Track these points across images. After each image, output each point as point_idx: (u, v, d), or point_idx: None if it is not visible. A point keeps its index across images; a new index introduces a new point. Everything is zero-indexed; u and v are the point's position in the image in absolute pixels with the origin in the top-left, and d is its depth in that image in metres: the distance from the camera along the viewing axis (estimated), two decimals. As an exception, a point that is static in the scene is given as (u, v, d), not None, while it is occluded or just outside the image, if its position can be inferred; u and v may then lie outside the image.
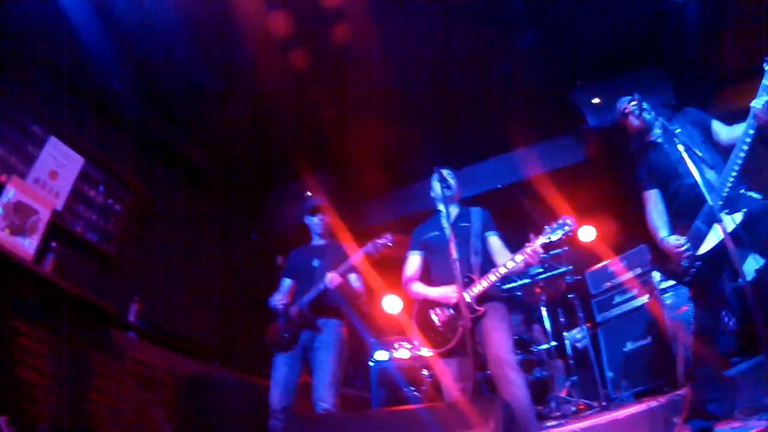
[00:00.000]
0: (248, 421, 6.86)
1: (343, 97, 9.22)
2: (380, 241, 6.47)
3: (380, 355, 9.34)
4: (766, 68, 4.84)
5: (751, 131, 4.85)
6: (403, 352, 9.09)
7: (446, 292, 5.69)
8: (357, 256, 6.53)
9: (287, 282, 7.01)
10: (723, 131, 5.39)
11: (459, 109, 10.02)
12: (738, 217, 4.80)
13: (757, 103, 4.80)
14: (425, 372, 8.55)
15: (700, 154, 5.07)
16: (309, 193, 9.69)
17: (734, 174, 4.92)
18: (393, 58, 8.62)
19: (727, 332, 7.09)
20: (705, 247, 5.04)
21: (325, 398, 6.13)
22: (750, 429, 4.84)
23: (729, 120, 5.54)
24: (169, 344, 7.73)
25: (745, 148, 4.89)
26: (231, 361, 8.48)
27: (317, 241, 7.19)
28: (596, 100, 9.47)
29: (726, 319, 7.13)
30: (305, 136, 9.70)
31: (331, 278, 6.40)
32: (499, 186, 11.03)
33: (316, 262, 6.86)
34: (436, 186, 6.10)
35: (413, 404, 8.23)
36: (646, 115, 5.59)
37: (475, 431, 3.78)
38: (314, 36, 8.05)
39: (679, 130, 5.32)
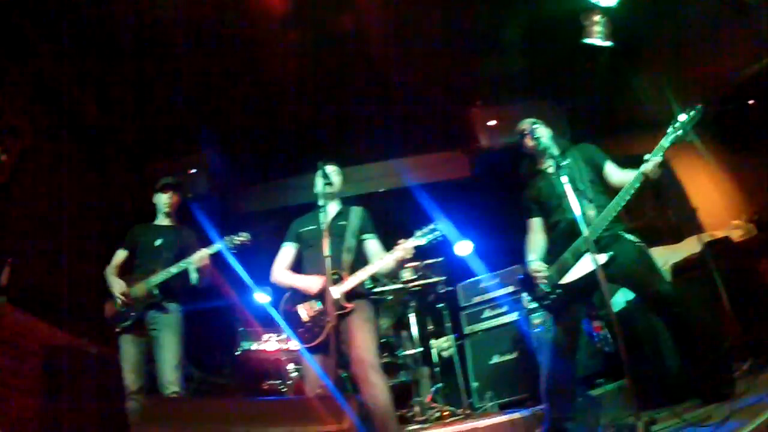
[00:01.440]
0: (113, 398, 6.70)
1: (244, 78, 8.99)
2: (238, 238, 6.49)
3: (248, 345, 9.17)
4: (669, 131, 5.01)
5: (637, 185, 5.04)
6: (271, 344, 9.02)
7: (310, 281, 5.69)
8: (213, 248, 6.47)
9: (122, 254, 6.78)
10: (615, 174, 5.50)
11: (356, 109, 9.92)
12: (604, 257, 4.94)
13: (646, 167, 4.99)
14: (291, 366, 8.54)
15: (583, 191, 5.24)
16: (193, 170, 9.45)
17: (612, 216, 5.13)
18: (296, 46, 8.46)
19: (594, 355, 7.33)
20: (568, 278, 5.27)
21: (173, 381, 6.00)
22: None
23: (618, 163, 5.68)
24: (40, 312, 7.46)
25: (627, 197, 5.08)
26: (102, 335, 8.24)
27: (162, 220, 6.98)
28: (492, 123, 9.62)
29: (594, 342, 7.38)
30: (200, 113, 9.34)
31: (200, 257, 6.35)
32: (382, 190, 11.15)
33: (158, 242, 6.71)
34: (319, 181, 6.01)
35: (277, 396, 8.23)
36: (539, 142, 5.59)
37: (329, 428, 3.79)
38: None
39: (568, 161, 5.43)
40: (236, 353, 9.14)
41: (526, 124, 5.92)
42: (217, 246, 6.46)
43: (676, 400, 5.32)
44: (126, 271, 6.67)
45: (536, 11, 8.47)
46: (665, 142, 5.02)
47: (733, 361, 5.53)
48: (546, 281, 5.39)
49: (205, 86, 8.90)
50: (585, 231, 4.78)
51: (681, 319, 4.93)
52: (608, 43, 8.42)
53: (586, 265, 5.09)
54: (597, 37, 8.40)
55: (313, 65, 8.81)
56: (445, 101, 10.01)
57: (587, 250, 4.87)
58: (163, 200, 6.94)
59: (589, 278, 4.97)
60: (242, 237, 6.47)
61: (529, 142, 5.81)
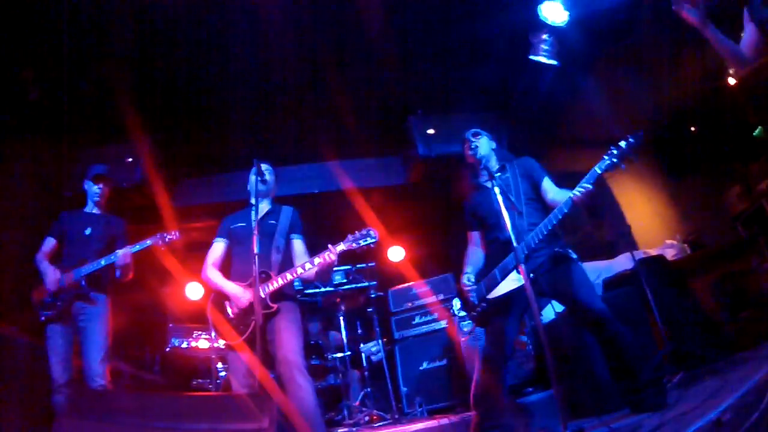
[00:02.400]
0: (41, 388, 6.63)
1: (186, 69, 8.80)
2: (168, 235, 6.44)
3: (177, 342, 9.13)
4: (605, 157, 4.92)
5: (566, 210, 5.01)
6: (202, 342, 9.01)
7: (238, 292, 5.68)
8: (144, 244, 6.41)
9: (51, 242, 6.68)
10: (550, 192, 5.53)
11: (297, 108, 9.83)
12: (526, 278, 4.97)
13: (578, 190, 4.95)
14: (220, 365, 8.57)
15: (517, 207, 5.34)
16: (130, 159, 9.13)
17: (541, 237, 5.11)
18: (245, 42, 8.38)
19: (524, 364, 7.49)
20: (494, 293, 5.33)
21: (100, 373, 5.99)
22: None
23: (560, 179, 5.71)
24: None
25: (555, 222, 5.08)
26: (30, 324, 8.09)
27: (91, 209, 6.91)
28: (431, 131, 9.66)
29: (526, 352, 7.54)
30: (145, 100, 8.89)
31: (124, 254, 6.30)
32: (316, 191, 10.97)
33: (88, 231, 6.66)
34: (252, 179, 5.97)
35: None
36: (476, 153, 5.70)
37: (250, 425, 3.88)
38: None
39: (506, 175, 5.59)
40: (166, 350, 9.10)
41: (467, 134, 5.99)
42: (147, 243, 6.42)
43: (606, 410, 5.49)
44: (54, 259, 6.59)
45: (484, 23, 8.52)
46: (598, 168, 4.94)
47: (664, 374, 5.67)
48: (474, 295, 5.48)
49: (147, 73, 8.70)
50: (515, 251, 4.81)
51: (612, 334, 5.00)
52: (554, 62, 8.57)
53: (511, 282, 5.19)
54: (543, 55, 8.54)
55: (255, 63, 8.75)
56: (385, 107, 10.04)
57: (514, 268, 4.97)
58: (94, 190, 6.91)
59: (515, 294, 5.15)
60: (172, 235, 6.45)
61: (468, 152, 5.86)
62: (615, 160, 4.89)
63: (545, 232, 5.11)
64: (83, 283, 6.25)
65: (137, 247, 6.42)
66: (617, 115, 9.95)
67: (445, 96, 9.92)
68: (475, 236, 5.94)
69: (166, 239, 6.42)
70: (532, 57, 8.56)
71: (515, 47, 8.76)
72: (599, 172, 4.94)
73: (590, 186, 4.94)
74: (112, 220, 6.93)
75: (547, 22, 8.25)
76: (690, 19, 4.19)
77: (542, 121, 10.30)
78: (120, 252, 6.31)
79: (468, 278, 5.57)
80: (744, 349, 6.01)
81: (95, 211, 6.92)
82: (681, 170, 10.19)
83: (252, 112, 9.66)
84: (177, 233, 6.47)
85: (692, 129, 10.12)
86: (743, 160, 8.68)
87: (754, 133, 8.11)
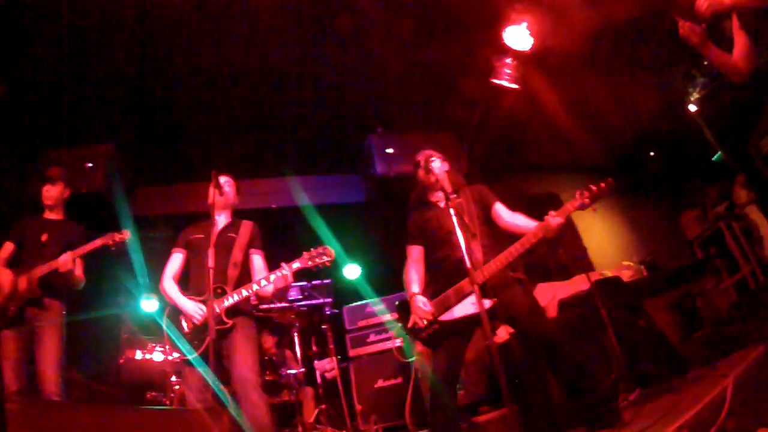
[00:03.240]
0: None
1: (168, 74, 8.78)
2: (118, 235, 6.29)
3: (133, 354, 9.00)
4: (578, 195, 5.01)
5: (534, 240, 5.05)
6: (157, 355, 8.90)
7: (193, 308, 5.57)
8: (94, 244, 6.29)
9: (9, 246, 6.54)
10: (503, 216, 5.58)
11: (257, 122, 9.86)
12: (488, 303, 4.89)
13: (553, 221, 4.98)
14: (174, 378, 8.46)
15: (472, 230, 5.25)
16: (90, 165, 9.02)
17: (506, 263, 5.11)
18: (208, 54, 8.42)
19: (477, 383, 7.51)
20: (448, 316, 5.26)
21: (54, 382, 5.86)
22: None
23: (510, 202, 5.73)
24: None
25: (521, 249, 5.09)
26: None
27: (49, 214, 6.79)
28: (390, 150, 9.72)
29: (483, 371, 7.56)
30: (108, 106, 9.06)
31: (64, 261, 6.14)
32: (274, 206, 10.98)
33: (45, 237, 6.52)
34: (211, 191, 5.88)
35: (158, 407, 8.15)
36: (431, 175, 5.59)
37: (201, 440, 3.86)
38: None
39: (460, 200, 5.48)
40: (120, 361, 8.98)
41: (422, 155, 5.89)
42: (97, 243, 6.29)
43: (561, 428, 5.52)
44: (13, 265, 6.46)
45: (446, 45, 8.62)
46: (571, 206, 5.02)
47: (619, 392, 5.75)
48: (428, 320, 5.31)
49: (111, 80, 8.70)
50: (471, 273, 4.65)
51: (561, 356, 5.00)
52: (515, 86, 8.68)
53: (467, 306, 5.15)
54: (505, 79, 8.67)
55: (218, 76, 8.79)
56: (345, 124, 10.08)
57: (471, 293, 4.90)
58: (43, 193, 6.78)
59: (470, 318, 5.08)
60: (122, 235, 6.32)
61: (422, 174, 5.79)
62: (587, 201, 5.00)
63: (510, 259, 5.11)
64: (35, 285, 6.14)
65: (87, 248, 6.28)
66: (577, 139, 10.06)
67: (406, 115, 9.94)
68: (417, 251, 5.82)
69: (117, 239, 6.28)
70: (494, 81, 8.64)
71: (477, 70, 8.81)
72: (571, 209, 5.03)
73: (562, 220, 5.01)
74: (70, 225, 6.81)
75: (511, 47, 8.32)
76: (693, 41, 4.29)
77: (500, 143, 10.38)
78: (61, 258, 6.16)
79: (424, 302, 5.40)
80: (699, 367, 6.06)
81: (53, 216, 6.80)
82: (638, 192, 10.35)
83: (212, 124, 9.63)
84: (128, 233, 6.33)
85: (651, 153, 10.28)
86: (701, 184, 8.85)
87: (713, 158, 8.25)
